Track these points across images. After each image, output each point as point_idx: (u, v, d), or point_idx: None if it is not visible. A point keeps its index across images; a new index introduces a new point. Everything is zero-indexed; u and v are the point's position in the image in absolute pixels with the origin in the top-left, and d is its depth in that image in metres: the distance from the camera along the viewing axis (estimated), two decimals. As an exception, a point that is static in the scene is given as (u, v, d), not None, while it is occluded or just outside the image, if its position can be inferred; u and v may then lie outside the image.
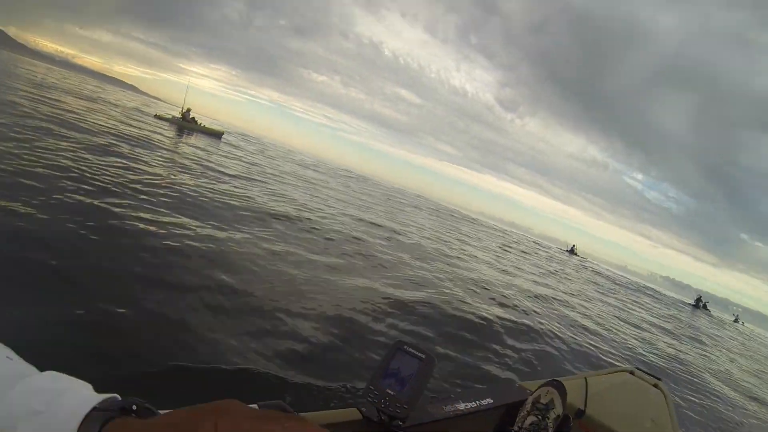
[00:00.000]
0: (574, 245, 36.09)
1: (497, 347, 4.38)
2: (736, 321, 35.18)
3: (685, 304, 28.72)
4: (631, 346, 7.54)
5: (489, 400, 1.49)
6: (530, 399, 1.41)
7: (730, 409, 6.13)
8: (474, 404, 1.42)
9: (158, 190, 6.13)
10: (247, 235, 5.39)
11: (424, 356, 1.04)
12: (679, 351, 9.29)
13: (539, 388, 1.44)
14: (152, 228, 4.42)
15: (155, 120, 23.34)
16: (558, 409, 1.36)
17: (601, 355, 5.94)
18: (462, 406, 1.37)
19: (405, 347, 1.06)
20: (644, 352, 7.49)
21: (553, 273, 16.43)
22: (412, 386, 1.00)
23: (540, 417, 1.31)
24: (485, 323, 5.01)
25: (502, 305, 6.39)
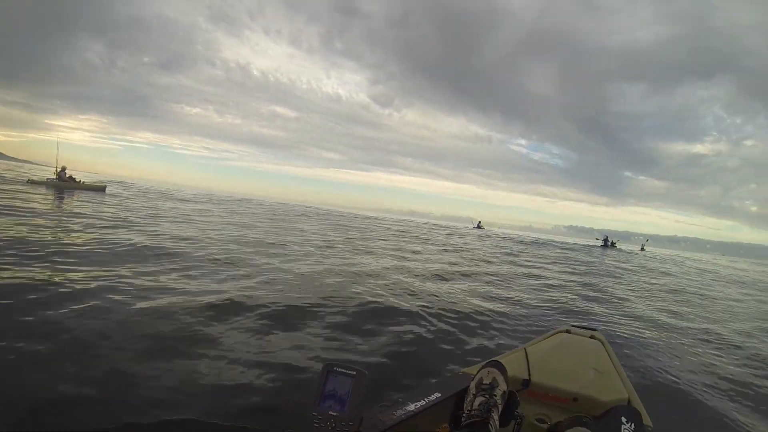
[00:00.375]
0: (479, 221, 35.61)
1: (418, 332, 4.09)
2: (642, 249, 38.65)
3: (595, 247, 30.01)
4: (557, 303, 6.71)
5: (437, 394, 1.54)
6: (473, 383, 1.49)
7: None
8: (423, 402, 1.46)
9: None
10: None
11: (354, 372, 1.08)
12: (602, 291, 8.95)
13: (480, 370, 1.53)
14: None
15: (28, 186, 20.93)
16: (502, 386, 1.44)
17: (531, 324, 5.12)
18: (412, 406, 1.41)
19: (335, 368, 1.09)
20: (572, 305, 6.69)
21: (457, 249, 16.22)
22: (352, 402, 1.04)
23: (487, 396, 1.36)
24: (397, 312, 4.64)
25: (399, 294, 5.71)
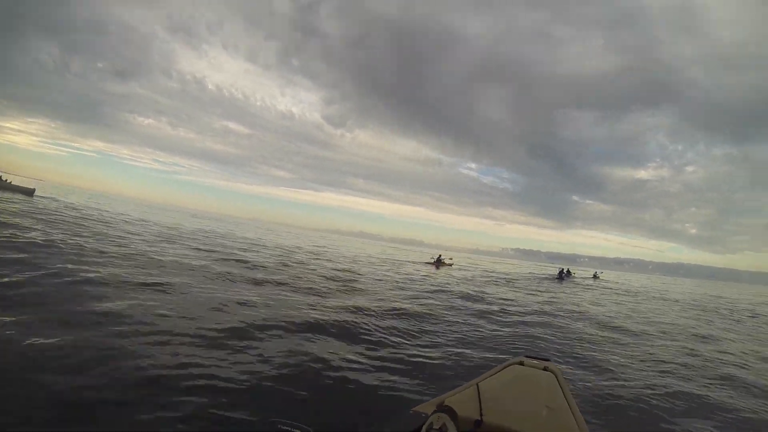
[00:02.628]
0: (440, 254, 34.69)
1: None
2: (595, 277, 38.50)
3: (552, 279, 30.54)
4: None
5: None
6: (424, 427, 1.52)
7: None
8: None
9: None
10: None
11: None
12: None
13: (431, 415, 1.55)
14: None
15: None
16: (452, 430, 1.50)
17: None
18: None
19: (280, 426, 1.18)
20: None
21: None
22: None
23: None
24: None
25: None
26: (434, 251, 43.94)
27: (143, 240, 13.74)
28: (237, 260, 12.58)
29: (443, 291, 12.45)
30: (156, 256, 10.55)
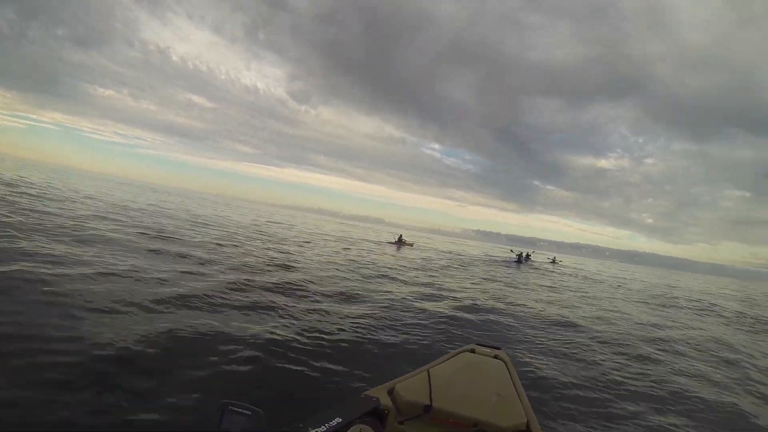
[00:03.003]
0: (401, 234, 34.42)
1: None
2: (553, 263, 39.25)
3: (511, 262, 30.75)
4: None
5: (338, 419, 1.51)
6: None
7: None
8: (324, 427, 1.43)
9: None
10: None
11: (250, 412, 1.13)
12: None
13: (353, 427, 1.50)
14: None
15: None
16: None
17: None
18: None
19: (230, 407, 1.13)
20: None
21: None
22: None
23: None
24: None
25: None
26: (394, 230, 43.79)
27: (72, 217, 11.98)
28: (164, 238, 11.33)
29: (389, 276, 11.54)
30: (76, 231, 9.40)
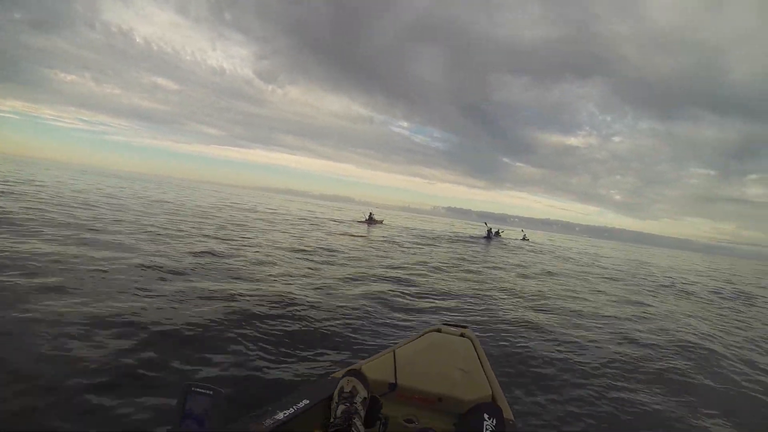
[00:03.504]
0: (371, 212, 34.37)
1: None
2: (524, 239, 39.61)
3: (479, 238, 30.83)
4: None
5: (305, 401, 1.61)
6: (335, 392, 1.61)
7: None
8: (292, 409, 1.54)
9: None
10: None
11: (212, 392, 1.14)
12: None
13: (341, 378, 1.65)
14: None
15: None
16: (362, 393, 1.58)
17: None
18: (281, 414, 1.49)
19: (193, 388, 1.15)
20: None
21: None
22: (211, 422, 1.12)
23: (348, 404, 1.51)
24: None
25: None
26: (364, 209, 43.76)
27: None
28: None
29: (339, 263, 10.30)
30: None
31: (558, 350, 4.98)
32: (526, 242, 35.72)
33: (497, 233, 34.79)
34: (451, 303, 7.02)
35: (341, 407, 1.52)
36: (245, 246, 10.57)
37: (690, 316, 8.68)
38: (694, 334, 6.71)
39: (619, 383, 4.21)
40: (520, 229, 45.10)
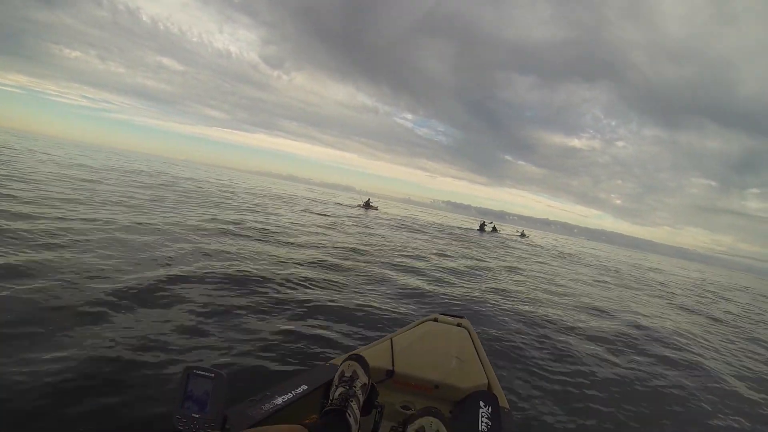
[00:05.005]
0: (369, 199, 35.53)
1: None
2: (522, 236, 39.71)
3: (472, 230, 30.91)
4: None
5: (304, 386, 1.69)
6: (336, 376, 1.59)
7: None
8: (291, 394, 1.61)
9: None
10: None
11: (213, 375, 1.16)
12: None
13: (342, 363, 1.61)
14: None
15: None
16: (362, 378, 1.57)
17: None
18: (279, 399, 1.55)
19: (194, 371, 1.17)
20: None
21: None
22: (212, 404, 1.14)
23: (347, 387, 1.50)
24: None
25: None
26: (364, 197, 45.36)
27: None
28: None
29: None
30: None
31: (552, 342, 5.04)
32: (524, 238, 35.98)
33: (494, 229, 34.88)
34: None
35: (340, 390, 1.53)
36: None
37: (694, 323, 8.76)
38: (692, 333, 6.91)
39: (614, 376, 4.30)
40: (521, 229, 45.04)
